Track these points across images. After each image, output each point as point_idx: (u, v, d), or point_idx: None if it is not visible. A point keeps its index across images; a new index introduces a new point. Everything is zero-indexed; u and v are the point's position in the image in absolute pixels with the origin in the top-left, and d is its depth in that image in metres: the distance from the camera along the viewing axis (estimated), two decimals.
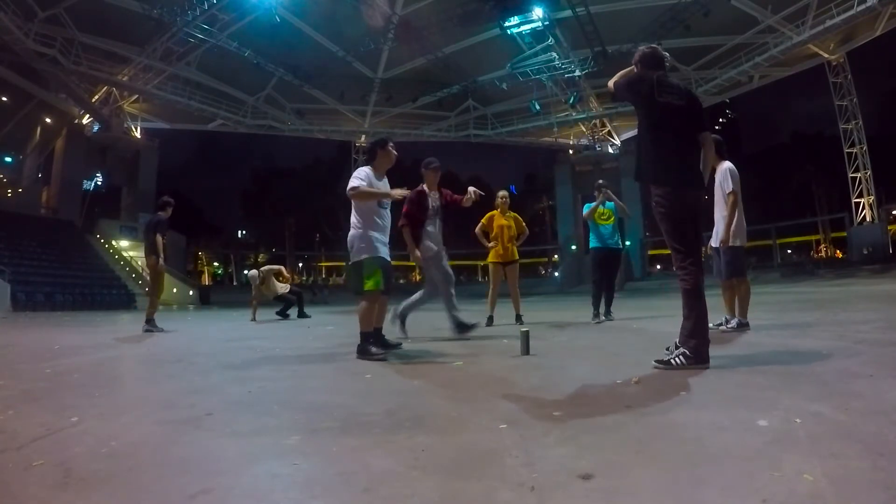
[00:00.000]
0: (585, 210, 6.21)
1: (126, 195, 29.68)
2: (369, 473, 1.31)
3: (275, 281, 9.63)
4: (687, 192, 2.76)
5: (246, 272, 10.47)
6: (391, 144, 3.77)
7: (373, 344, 3.50)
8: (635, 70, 2.99)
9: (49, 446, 1.61)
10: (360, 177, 3.58)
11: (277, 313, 9.43)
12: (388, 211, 3.78)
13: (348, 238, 3.64)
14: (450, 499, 1.15)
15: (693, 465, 1.27)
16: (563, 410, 1.85)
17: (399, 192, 3.60)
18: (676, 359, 2.60)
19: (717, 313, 3.92)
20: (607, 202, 6.10)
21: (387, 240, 3.72)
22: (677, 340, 2.68)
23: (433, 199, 4.67)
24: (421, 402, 2.13)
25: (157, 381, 2.98)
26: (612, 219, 6.11)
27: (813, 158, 38.86)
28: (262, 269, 9.75)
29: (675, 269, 2.79)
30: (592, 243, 6.16)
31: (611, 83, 3.00)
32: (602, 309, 6.07)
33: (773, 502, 1.06)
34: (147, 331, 6.62)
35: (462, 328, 4.62)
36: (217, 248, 50.32)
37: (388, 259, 3.70)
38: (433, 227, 4.65)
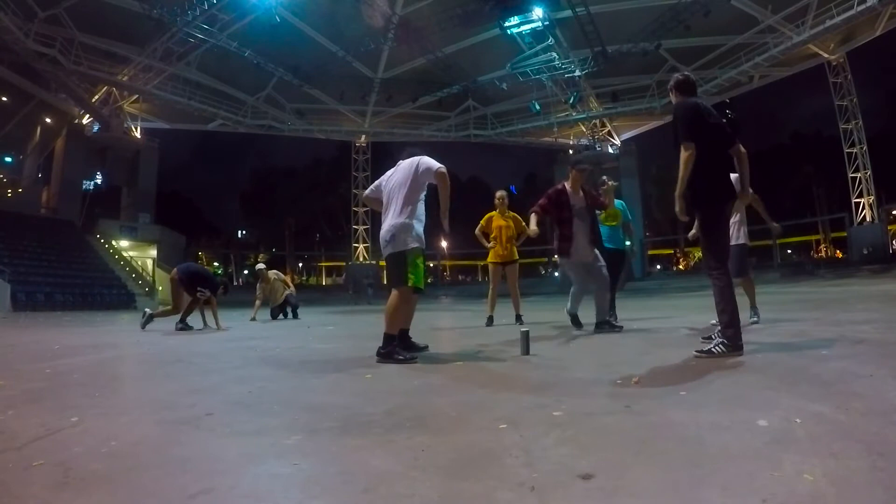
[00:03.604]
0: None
1: (126, 195, 29.69)
2: (369, 473, 1.31)
3: (282, 288, 9.64)
4: (728, 205, 3.16)
5: (259, 266, 10.47)
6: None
7: (399, 348, 3.36)
8: (674, 97, 3.25)
9: (49, 446, 1.61)
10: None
11: (275, 316, 9.42)
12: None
13: (390, 227, 3.42)
14: (450, 499, 1.15)
15: (693, 465, 1.27)
16: (563, 410, 1.85)
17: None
18: (716, 347, 2.90)
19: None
20: (616, 202, 5.86)
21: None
22: (716, 331, 3.04)
23: (576, 200, 4.65)
24: (421, 402, 2.12)
25: (157, 381, 2.98)
26: (619, 220, 5.84)
27: (813, 158, 38.84)
28: (272, 272, 9.76)
29: (711, 270, 3.09)
30: None
31: (684, 146, 3.00)
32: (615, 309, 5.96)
33: (773, 502, 1.05)
34: (181, 329, 6.79)
35: (603, 326, 4.64)
36: (217, 247, 50.36)
37: None
38: (577, 230, 4.61)
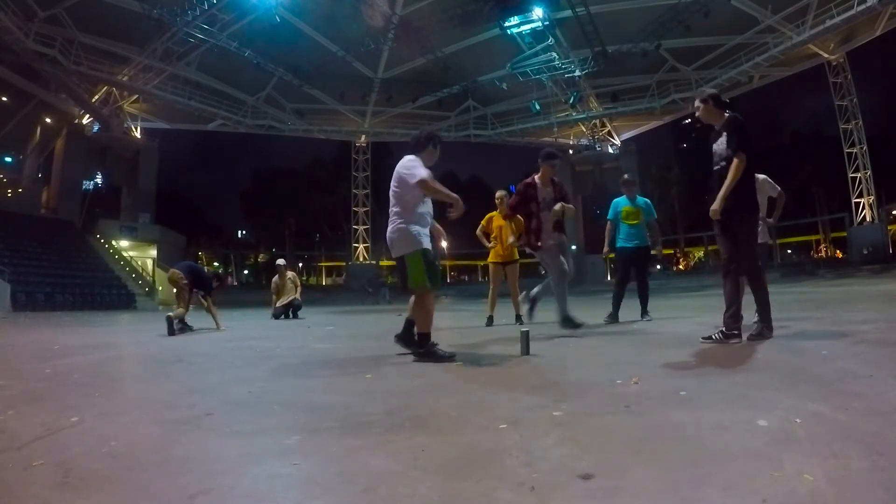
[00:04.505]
0: (612, 211, 6.00)
1: (126, 195, 29.67)
2: (369, 473, 1.31)
3: (293, 290, 9.85)
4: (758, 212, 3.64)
5: (279, 261, 10.80)
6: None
7: (435, 344, 3.34)
8: (708, 109, 3.57)
9: (49, 446, 1.61)
10: (420, 166, 3.34)
11: (277, 316, 9.53)
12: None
13: (390, 232, 3.41)
14: (450, 499, 1.15)
15: (693, 465, 1.27)
16: (563, 410, 1.84)
17: (459, 203, 3.32)
18: (716, 335, 3.49)
19: (722, 312, 3.93)
20: (638, 199, 5.93)
21: (428, 231, 3.51)
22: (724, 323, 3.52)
23: (544, 192, 4.59)
24: (421, 402, 2.12)
25: (157, 381, 2.98)
26: (640, 218, 5.86)
27: (813, 158, 38.85)
28: (290, 273, 10.05)
29: (752, 273, 3.55)
30: (618, 243, 5.96)
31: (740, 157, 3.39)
32: (619, 311, 5.84)
33: (773, 502, 1.05)
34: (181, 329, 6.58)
35: (568, 323, 4.54)
36: (217, 248, 50.32)
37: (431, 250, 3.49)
38: (543, 220, 4.57)
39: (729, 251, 3.60)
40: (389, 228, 3.44)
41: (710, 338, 3.52)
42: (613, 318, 5.71)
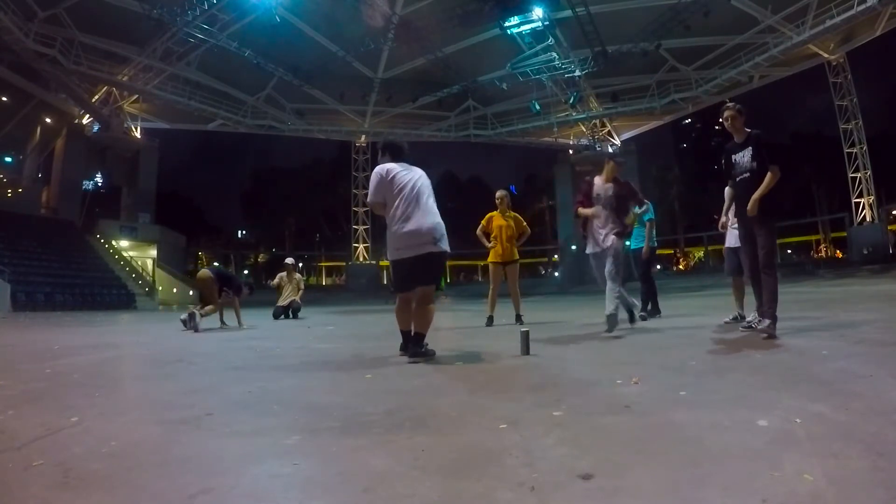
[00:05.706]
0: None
1: (126, 195, 29.71)
2: (369, 473, 1.31)
3: (296, 291, 9.96)
4: None
5: (289, 260, 10.88)
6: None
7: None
8: (741, 121, 3.87)
9: (49, 446, 1.61)
10: None
11: (277, 316, 9.56)
12: None
13: (435, 225, 3.37)
14: (450, 499, 1.15)
15: (693, 465, 1.27)
16: (563, 410, 1.84)
17: None
18: (769, 328, 3.60)
19: (722, 311, 3.94)
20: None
21: None
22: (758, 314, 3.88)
23: (604, 190, 4.67)
24: (421, 402, 2.12)
25: (157, 381, 2.98)
26: (638, 221, 6.19)
27: (813, 158, 38.83)
28: (298, 274, 10.18)
29: (769, 267, 3.75)
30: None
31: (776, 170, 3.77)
32: (639, 306, 6.05)
33: (773, 502, 1.05)
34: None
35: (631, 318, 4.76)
36: (217, 248, 50.34)
37: None
38: (599, 219, 4.61)
39: (751, 256, 3.84)
40: (437, 221, 3.40)
41: (771, 336, 3.49)
42: (646, 312, 5.97)
